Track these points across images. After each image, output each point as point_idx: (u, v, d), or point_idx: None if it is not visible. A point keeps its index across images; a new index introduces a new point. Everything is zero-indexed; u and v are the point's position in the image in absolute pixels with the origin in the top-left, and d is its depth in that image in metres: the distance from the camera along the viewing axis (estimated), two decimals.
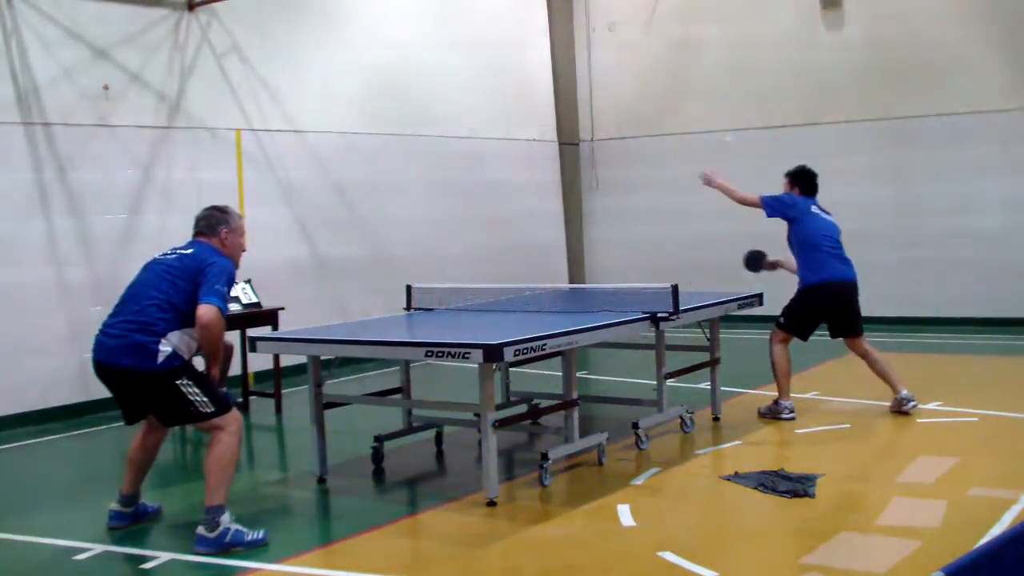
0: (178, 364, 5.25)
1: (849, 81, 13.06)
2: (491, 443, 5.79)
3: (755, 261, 8.37)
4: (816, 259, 7.78)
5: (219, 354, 5.45)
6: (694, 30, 14.12)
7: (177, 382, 5.22)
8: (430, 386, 8.54)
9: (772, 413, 7.81)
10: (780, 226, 8.55)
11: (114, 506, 5.70)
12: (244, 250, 5.70)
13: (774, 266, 8.31)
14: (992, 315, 12.22)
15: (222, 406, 5.33)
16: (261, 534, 5.31)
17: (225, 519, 5.22)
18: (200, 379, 5.34)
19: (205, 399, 5.25)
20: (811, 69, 13.26)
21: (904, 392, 7.78)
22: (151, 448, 5.71)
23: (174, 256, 5.47)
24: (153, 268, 5.47)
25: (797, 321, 7.84)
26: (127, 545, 5.42)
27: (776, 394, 7.87)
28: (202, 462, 5.40)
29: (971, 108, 12.32)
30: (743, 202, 7.91)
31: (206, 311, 5.18)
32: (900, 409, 7.74)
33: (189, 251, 5.46)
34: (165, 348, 5.20)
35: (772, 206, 7.87)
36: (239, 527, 5.26)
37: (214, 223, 5.58)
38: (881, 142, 12.93)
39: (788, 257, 8.15)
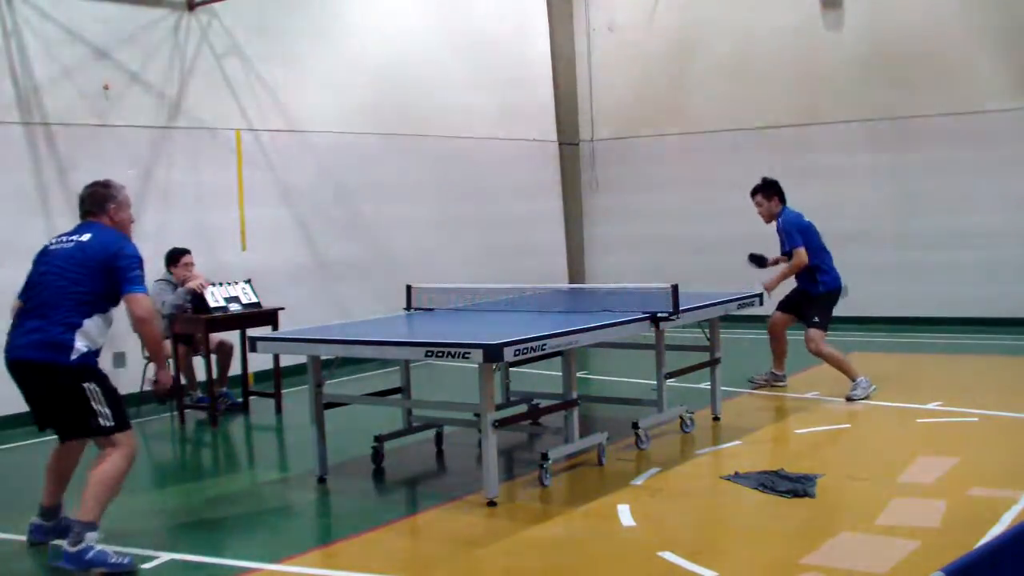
0: (91, 364, 5.10)
1: (849, 81, 13.04)
2: (491, 443, 5.79)
3: (759, 260, 8.95)
4: (828, 263, 8.54)
5: (161, 349, 5.32)
6: (694, 30, 14.12)
7: (85, 384, 5.03)
8: (430, 386, 8.54)
9: (864, 388, 8.30)
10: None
11: (34, 519, 5.47)
12: (133, 222, 5.55)
13: (776, 262, 8.80)
14: (992, 315, 12.20)
15: (122, 424, 5.13)
16: (127, 560, 5.00)
17: (92, 537, 4.95)
18: (109, 392, 5.13)
19: (108, 412, 5.05)
20: (811, 69, 13.25)
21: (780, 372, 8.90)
22: (71, 460, 5.47)
23: (72, 245, 5.25)
24: (52, 260, 5.24)
25: (829, 320, 8.52)
26: (127, 545, 5.41)
27: (852, 379, 8.39)
28: (89, 476, 5.07)
29: (971, 108, 12.30)
30: (801, 266, 8.43)
31: (137, 302, 5.13)
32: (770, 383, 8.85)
33: (86, 237, 5.25)
34: (80, 345, 5.04)
35: (798, 241, 8.42)
36: (103, 548, 4.98)
37: (100, 200, 5.39)
38: (881, 142, 12.92)
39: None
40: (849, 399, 8.27)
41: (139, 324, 5.29)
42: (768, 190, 8.61)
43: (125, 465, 5.10)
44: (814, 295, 8.48)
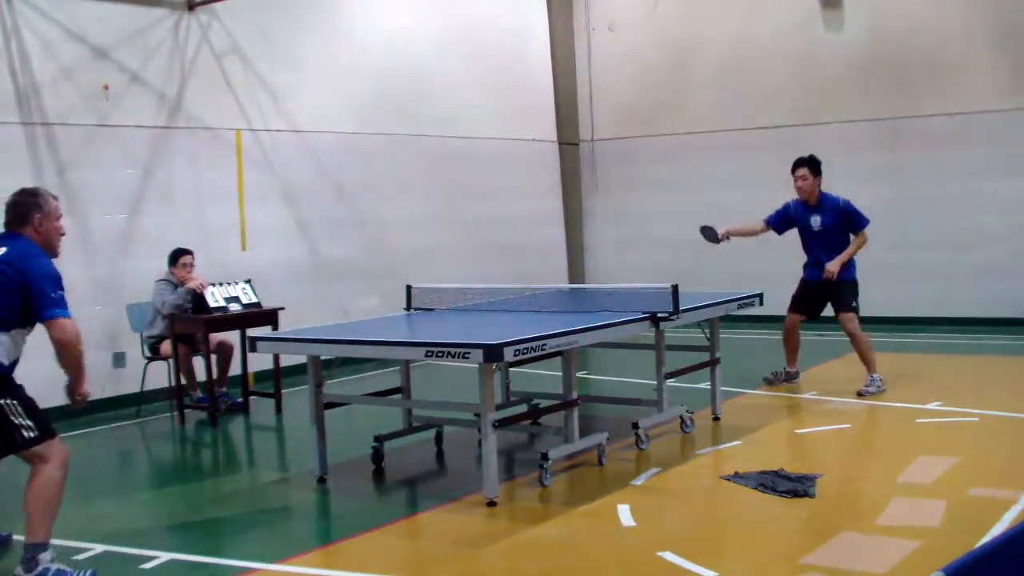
0: (3, 378, 4.80)
1: (849, 81, 13.04)
2: (491, 443, 5.79)
3: (709, 232, 9.11)
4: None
5: (82, 370, 4.95)
6: (694, 30, 14.11)
7: (2, 401, 4.74)
8: (430, 386, 8.54)
9: (876, 387, 8.36)
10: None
11: None
12: (63, 234, 5.14)
13: (727, 237, 9.03)
14: (992, 315, 12.20)
15: (47, 432, 4.85)
16: (89, 574, 4.85)
17: (45, 558, 4.76)
18: (25, 400, 4.84)
19: (30, 423, 4.78)
20: (811, 69, 13.24)
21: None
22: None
23: None
24: None
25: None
26: (127, 545, 5.41)
27: (869, 373, 8.51)
28: (25, 495, 4.82)
29: (971, 108, 12.30)
30: (865, 240, 8.63)
31: (61, 328, 4.77)
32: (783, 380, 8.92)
33: (1, 251, 4.91)
34: None
35: (866, 220, 8.64)
36: (61, 566, 4.80)
37: (25, 211, 5.00)
38: (881, 142, 12.92)
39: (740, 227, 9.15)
40: (860, 395, 8.32)
41: (64, 349, 4.82)
42: (818, 166, 8.65)
43: (60, 475, 4.83)
44: (849, 280, 8.64)
